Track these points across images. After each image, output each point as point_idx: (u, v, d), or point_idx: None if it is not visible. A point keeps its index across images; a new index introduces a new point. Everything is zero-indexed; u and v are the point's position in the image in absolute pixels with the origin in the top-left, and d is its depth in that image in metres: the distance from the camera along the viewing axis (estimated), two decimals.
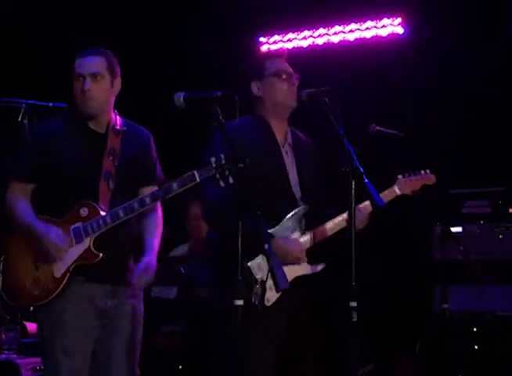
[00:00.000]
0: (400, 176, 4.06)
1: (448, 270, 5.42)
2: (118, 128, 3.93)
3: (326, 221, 3.90)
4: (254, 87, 3.97)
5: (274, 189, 3.85)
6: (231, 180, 3.41)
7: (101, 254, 3.72)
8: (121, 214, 3.70)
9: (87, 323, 3.79)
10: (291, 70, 4.00)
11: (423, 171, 4.11)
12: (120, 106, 4.01)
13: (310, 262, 3.85)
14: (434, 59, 6.60)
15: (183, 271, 5.71)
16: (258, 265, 3.71)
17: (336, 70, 6.48)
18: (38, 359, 4.79)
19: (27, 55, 7.11)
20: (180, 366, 5.41)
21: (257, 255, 3.71)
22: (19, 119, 5.05)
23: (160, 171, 4.05)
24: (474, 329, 5.57)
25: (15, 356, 5.04)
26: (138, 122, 4.08)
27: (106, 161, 3.85)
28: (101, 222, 3.72)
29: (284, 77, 3.95)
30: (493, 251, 5.72)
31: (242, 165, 3.40)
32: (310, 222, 3.92)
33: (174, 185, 3.64)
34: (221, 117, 3.39)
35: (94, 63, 3.85)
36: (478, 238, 5.77)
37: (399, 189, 4.04)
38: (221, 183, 3.44)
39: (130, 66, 4.12)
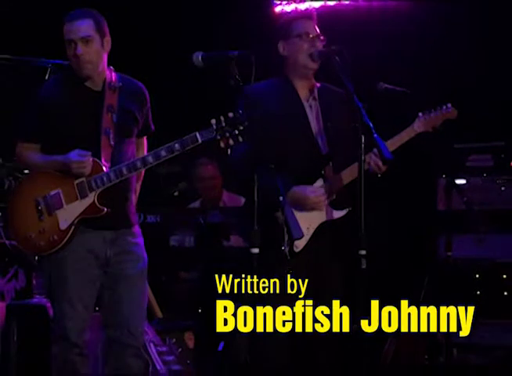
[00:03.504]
0: (420, 114, 4.00)
1: (452, 220, 5.54)
2: (114, 84, 3.99)
3: (346, 167, 3.92)
4: (280, 47, 4.03)
5: (298, 143, 3.96)
6: (231, 142, 3.55)
7: (105, 209, 3.84)
8: (125, 171, 3.81)
9: (88, 272, 3.91)
10: (317, 31, 4.02)
11: (444, 106, 4.03)
12: None
13: (334, 208, 3.95)
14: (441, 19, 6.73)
15: (202, 221, 5.94)
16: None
17: (345, 30, 6.55)
18: None
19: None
20: (200, 310, 5.61)
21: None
22: (46, 78, 5.31)
23: (151, 122, 4.14)
24: (477, 276, 5.74)
25: (45, 299, 5.09)
26: None
27: (105, 118, 3.91)
28: (105, 178, 3.81)
29: (307, 38, 3.98)
30: (495, 202, 5.85)
31: (242, 128, 3.53)
32: (334, 171, 3.99)
33: (177, 145, 3.73)
34: (237, 76, 3.52)
35: (82, 27, 3.87)
36: (481, 190, 5.88)
37: (418, 127, 3.98)
38: (222, 144, 3.58)
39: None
